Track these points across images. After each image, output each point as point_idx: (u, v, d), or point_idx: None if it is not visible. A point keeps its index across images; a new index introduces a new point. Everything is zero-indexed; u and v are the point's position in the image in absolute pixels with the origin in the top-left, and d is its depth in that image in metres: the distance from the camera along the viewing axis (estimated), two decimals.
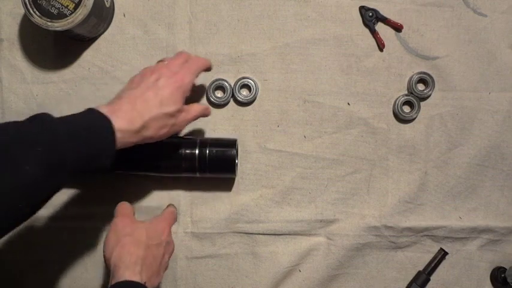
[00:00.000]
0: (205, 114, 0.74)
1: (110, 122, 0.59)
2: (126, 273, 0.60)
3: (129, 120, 0.61)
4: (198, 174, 0.75)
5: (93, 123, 0.59)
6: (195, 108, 0.71)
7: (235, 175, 0.77)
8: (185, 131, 0.80)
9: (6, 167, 0.52)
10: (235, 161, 0.75)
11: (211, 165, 0.74)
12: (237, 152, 0.76)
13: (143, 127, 0.63)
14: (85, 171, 0.59)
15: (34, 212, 0.56)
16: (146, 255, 0.64)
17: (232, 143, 0.75)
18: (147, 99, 0.64)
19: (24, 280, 0.79)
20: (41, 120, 0.56)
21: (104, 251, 0.65)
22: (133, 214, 0.71)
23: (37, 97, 0.80)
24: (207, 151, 0.74)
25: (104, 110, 0.60)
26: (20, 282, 0.79)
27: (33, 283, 0.79)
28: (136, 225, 0.67)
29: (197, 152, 0.74)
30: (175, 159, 0.74)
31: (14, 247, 0.79)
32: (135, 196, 0.79)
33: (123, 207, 0.70)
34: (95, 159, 0.58)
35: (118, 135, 0.59)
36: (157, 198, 0.79)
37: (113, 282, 0.60)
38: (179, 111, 0.67)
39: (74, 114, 0.60)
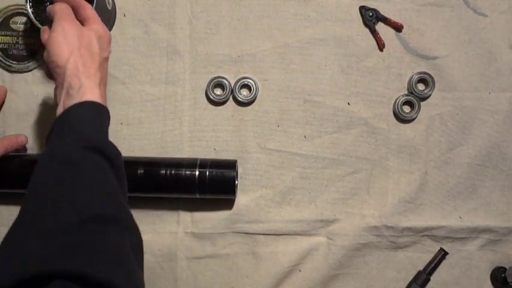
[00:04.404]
0: (18, 145, 0.76)
1: None
2: (88, 93, 0.58)
3: None
4: (197, 195, 0.75)
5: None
6: (1, 142, 0.74)
7: (235, 196, 0.77)
8: (185, 131, 0.80)
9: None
10: (235, 183, 0.75)
11: (211, 187, 0.74)
12: (236, 173, 0.76)
13: None
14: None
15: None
16: (101, 69, 0.62)
17: (232, 165, 0.75)
18: None
19: None
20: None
21: (50, 55, 0.61)
22: None
23: (37, 97, 0.80)
24: (207, 172, 0.74)
25: None
26: None
27: None
28: (85, 32, 0.63)
29: (197, 173, 0.74)
30: (175, 181, 0.74)
31: None
32: (133, 200, 0.79)
33: (63, 8, 0.64)
34: None
35: None
36: (156, 201, 0.79)
37: (72, 98, 0.58)
38: None
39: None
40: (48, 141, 0.58)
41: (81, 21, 0.64)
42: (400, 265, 0.81)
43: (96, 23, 0.65)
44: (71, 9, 0.64)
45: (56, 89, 0.63)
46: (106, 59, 0.65)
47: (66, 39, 0.60)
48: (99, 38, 0.63)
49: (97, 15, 0.66)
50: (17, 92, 0.80)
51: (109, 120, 0.61)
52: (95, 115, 0.59)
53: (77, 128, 0.56)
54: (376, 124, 0.81)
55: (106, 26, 0.78)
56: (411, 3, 0.81)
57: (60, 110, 0.59)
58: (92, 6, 0.70)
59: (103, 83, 0.62)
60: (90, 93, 0.59)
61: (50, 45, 0.61)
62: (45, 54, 0.63)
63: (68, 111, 0.57)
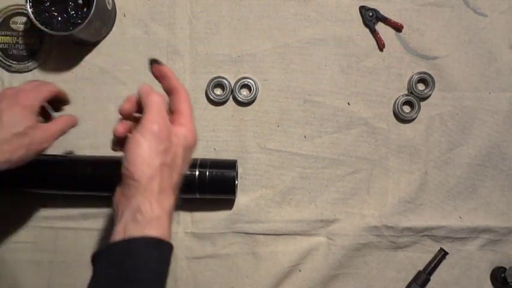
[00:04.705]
0: (71, 125, 0.68)
1: None
2: (156, 226, 0.50)
3: None
4: (197, 195, 0.75)
5: None
6: (56, 122, 0.66)
7: (235, 196, 0.77)
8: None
9: None
10: (235, 183, 0.75)
11: (211, 187, 0.74)
12: (237, 173, 0.76)
13: None
14: None
15: None
16: (176, 190, 0.55)
17: (232, 165, 0.76)
18: None
19: (24, 280, 0.79)
20: None
21: (128, 160, 0.52)
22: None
23: None
24: (207, 172, 0.74)
25: None
26: (20, 282, 0.79)
27: (33, 283, 0.79)
28: (173, 141, 0.53)
29: (197, 173, 0.74)
30: None
31: (14, 247, 0.79)
32: None
33: (159, 103, 0.54)
34: None
35: None
36: None
37: (138, 226, 0.49)
38: (31, 128, 0.61)
39: None
40: (96, 270, 0.50)
41: (171, 111, 0.57)
42: (400, 265, 0.81)
43: (187, 125, 0.56)
44: (166, 104, 0.55)
45: (118, 196, 0.54)
46: (182, 175, 0.56)
47: (151, 149, 0.51)
48: (185, 148, 0.55)
49: (191, 113, 0.57)
50: None
51: (171, 258, 0.52)
52: (161, 262, 0.50)
53: (139, 283, 0.48)
54: (376, 124, 0.81)
55: (106, 27, 0.79)
56: (411, 3, 0.81)
57: (119, 233, 0.50)
58: (92, 6, 0.70)
59: (173, 207, 0.54)
60: (159, 227, 0.50)
61: (131, 149, 0.52)
62: (115, 134, 0.56)
63: (131, 245, 0.49)
